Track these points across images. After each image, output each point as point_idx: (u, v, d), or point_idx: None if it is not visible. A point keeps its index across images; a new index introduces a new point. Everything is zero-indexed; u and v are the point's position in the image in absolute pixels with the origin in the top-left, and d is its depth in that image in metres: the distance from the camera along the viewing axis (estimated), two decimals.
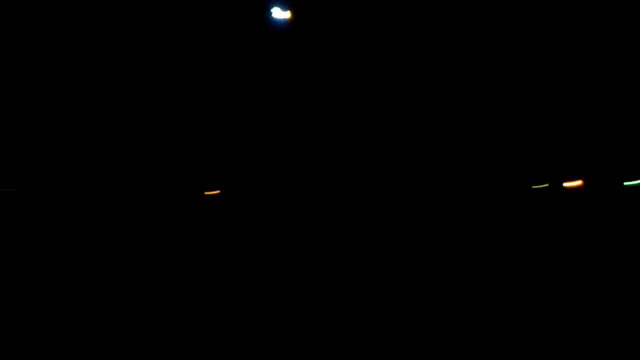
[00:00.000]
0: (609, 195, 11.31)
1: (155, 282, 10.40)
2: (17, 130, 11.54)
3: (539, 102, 11.72)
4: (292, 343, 8.32)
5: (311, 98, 12.12)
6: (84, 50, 11.79)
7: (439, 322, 8.74)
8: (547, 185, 11.38)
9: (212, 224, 11.63)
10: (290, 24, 12.06)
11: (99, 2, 11.72)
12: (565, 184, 11.38)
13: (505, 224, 11.34)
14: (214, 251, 11.25)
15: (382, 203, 11.81)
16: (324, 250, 11.17)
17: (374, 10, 12.08)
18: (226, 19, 11.99)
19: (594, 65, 11.64)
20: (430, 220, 11.55)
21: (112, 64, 11.86)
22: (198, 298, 9.89)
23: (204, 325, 8.96)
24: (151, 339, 8.58)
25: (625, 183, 11.24)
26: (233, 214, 11.81)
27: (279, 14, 12.05)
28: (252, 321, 9.03)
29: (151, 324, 9.04)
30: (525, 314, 8.87)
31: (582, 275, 10.08)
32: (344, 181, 11.96)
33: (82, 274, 10.61)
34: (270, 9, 12.00)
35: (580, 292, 9.49)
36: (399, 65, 12.10)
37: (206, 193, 11.76)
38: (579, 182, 11.35)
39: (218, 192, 11.80)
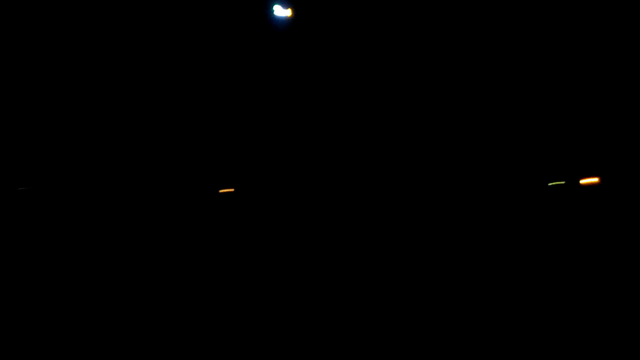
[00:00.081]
0: (626, 192, 11.16)
1: (169, 279, 10.42)
2: (29, 130, 11.44)
3: (558, 98, 11.57)
4: (296, 341, 8.43)
5: (312, 96, 12.03)
6: (90, 51, 11.71)
7: (448, 320, 8.84)
8: (563, 182, 11.19)
9: (221, 222, 11.57)
10: (291, 22, 12.00)
11: (101, 2, 11.66)
12: (582, 181, 11.20)
13: (522, 221, 11.19)
14: (221, 250, 11.20)
15: (398, 200, 11.69)
16: (327, 249, 11.14)
17: (375, 8, 11.99)
18: (228, 16, 11.91)
19: (614, 62, 11.52)
20: (446, 216, 11.41)
21: (115, 62, 11.76)
22: (204, 296, 9.93)
23: (218, 321, 9.10)
24: (158, 337, 8.67)
25: None
26: (242, 211, 11.74)
27: (280, 11, 11.99)
28: (265, 317, 9.15)
29: (164, 321, 9.15)
30: (543, 312, 8.95)
31: (597, 273, 10.07)
32: (346, 178, 11.88)
33: (92, 272, 10.58)
34: (271, 7, 11.93)
35: (595, 290, 9.52)
36: (401, 65, 12.00)
37: (221, 191, 11.67)
38: (595, 180, 11.16)
39: (232, 190, 11.71)
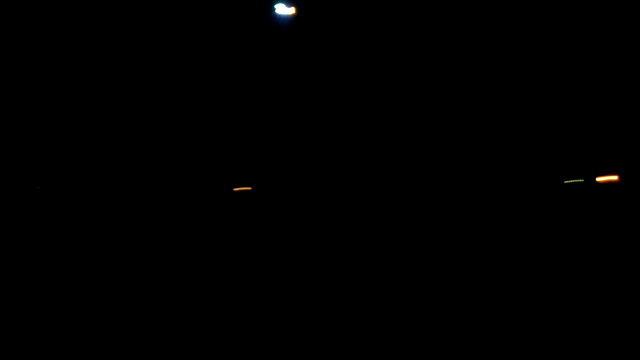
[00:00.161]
0: None
1: (183, 275, 10.57)
2: (43, 130, 11.56)
3: (577, 97, 11.37)
4: (300, 340, 8.32)
5: (315, 94, 11.95)
6: (97, 51, 11.74)
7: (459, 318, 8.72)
8: (582, 180, 10.91)
9: (234, 220, 11.64)
10: (294, 20, 11.92)
11: (107, 3, 11.66)
12: (599, 179, 10.93)
13: (540, 218, 11.05)
14: (231, 247, 11.30)
15: (416, 198, 11.55)
16: (337, 246, 11.16)
17: (377, 7, 11.89)
18: (231, 15, 11.85)
19: (634, 62, 11.29)
20: (465, 213, 11.32)
21: (117, 61, 11.76)
22: (214, 292, 9.98)
23: (229, 315, 9.11)
24: (167, 334, 8.57)
25: None
26: (255, 209, 11.76)
27: (284, 10, 11.93)
28: (275, 315, 9.11)
29: (175, 317, 9.16)
30: (561, 309, 8.81)
31: (615, 271, 9.94)
32: (349, 176, 11.81)
33: (108, 266, 10.76)
34: (274, 6, 11.87)
35: (612, 288, 9.37)
36: (403, 64, 11.88)
37: (235, 190, 11.69)
38: (614, 178, 10.88)
39: (250, 189, 11.73)
